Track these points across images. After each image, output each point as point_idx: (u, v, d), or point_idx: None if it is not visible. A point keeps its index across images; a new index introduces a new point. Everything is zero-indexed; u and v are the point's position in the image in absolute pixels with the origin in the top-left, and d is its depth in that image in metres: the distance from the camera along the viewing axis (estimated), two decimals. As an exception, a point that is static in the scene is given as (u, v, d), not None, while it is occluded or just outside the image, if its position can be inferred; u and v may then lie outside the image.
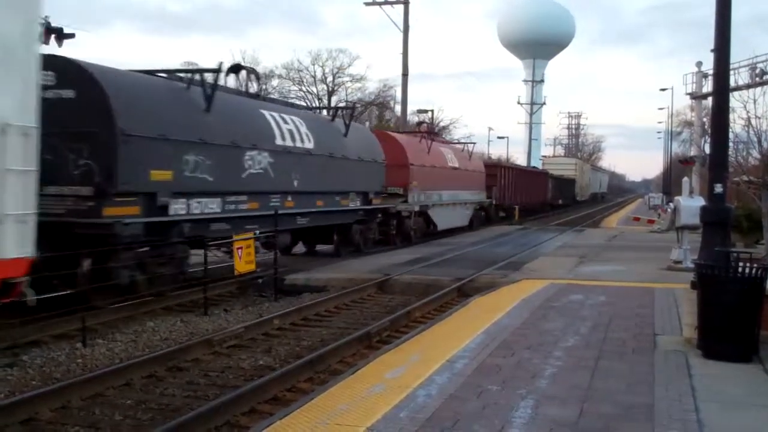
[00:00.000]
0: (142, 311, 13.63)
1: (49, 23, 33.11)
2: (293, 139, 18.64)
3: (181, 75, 15.65)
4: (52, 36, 32.67)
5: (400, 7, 37.26)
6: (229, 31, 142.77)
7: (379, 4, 37.17)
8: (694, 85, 43.04)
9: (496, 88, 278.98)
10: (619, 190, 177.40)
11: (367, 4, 37.38)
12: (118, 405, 8.44)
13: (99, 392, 8.75)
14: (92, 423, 7.81)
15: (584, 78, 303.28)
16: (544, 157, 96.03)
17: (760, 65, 33.77)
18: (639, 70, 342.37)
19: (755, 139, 19.02)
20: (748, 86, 34.43)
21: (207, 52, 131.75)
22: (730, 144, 17.44)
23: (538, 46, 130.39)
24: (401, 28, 37.13)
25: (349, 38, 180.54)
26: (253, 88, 19.18)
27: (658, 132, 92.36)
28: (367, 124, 74.76)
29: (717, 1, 10.57)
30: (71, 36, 33.16)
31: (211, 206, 15.24)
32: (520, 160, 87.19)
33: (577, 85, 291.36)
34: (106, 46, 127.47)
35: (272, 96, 70.00)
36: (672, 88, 66.97)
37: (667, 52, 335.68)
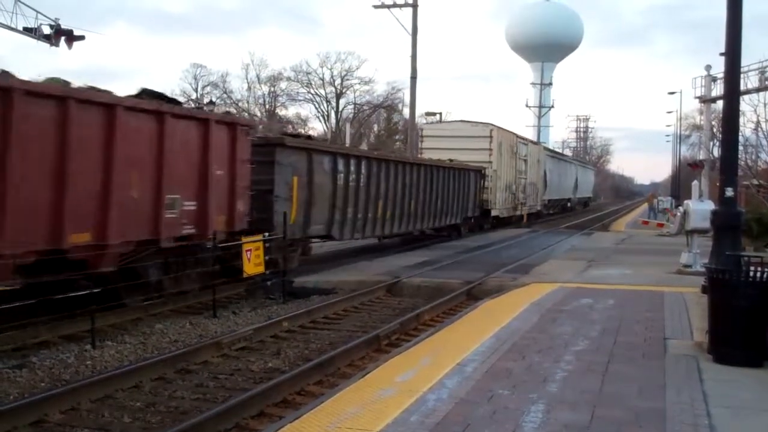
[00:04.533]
0: (150, 313, 13.63)
1: (59, 25, 33.20)
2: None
3: None
4: (63, 38, 32.76)
5: (408, 10, 37.28)
6: (229, 32, 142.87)
7: (388, 7, 37.16)
8: (703, 88, 42.94)
9: (503, 90, 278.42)
10: (628, 193, 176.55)
11: (375, 6, 37.40)
12: (127, 407, 8.43)
13: (108, 394, 8.75)
14: (101, 425, 7.81)
15: (591, 80, 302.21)
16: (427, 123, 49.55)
17: (770, 69, 33.68)
18: (645, 73, 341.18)
19: (765, 143, 19.00)
20: (757, 90, 34.35)
21: (212, 53, 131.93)
22: (740, 147, 17.42)
23: (546, 49, 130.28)
24: (409, 30, 37.12)
25: (352, 40, 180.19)
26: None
27: (667, 135, 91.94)
28: (375, 127, 74.97)
29: (728, 5, 10.54)
30: (81, 38, 33.24)
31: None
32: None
33: (584, 87, 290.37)
34: (109, 47, 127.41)
35: (281, 96, 70.21)
36: (680, 92, 66.87)
37: (671, 54, 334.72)
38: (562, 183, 63.24)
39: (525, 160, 44.67)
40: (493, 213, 38.06)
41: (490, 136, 37.39)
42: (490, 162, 36.89)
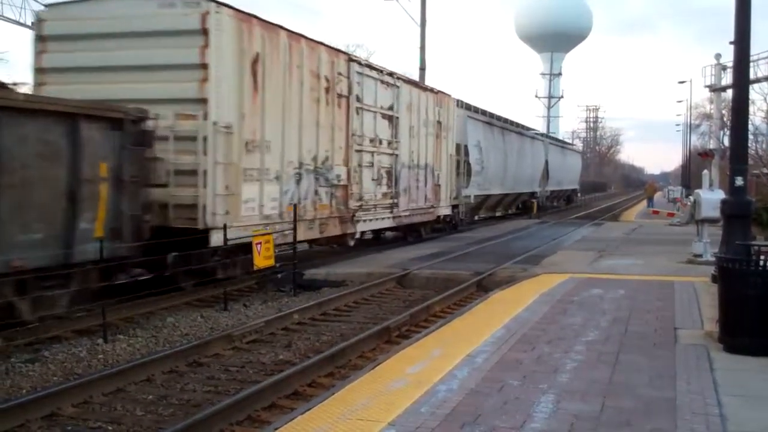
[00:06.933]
0: (161, 306, 13.68)
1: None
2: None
3: None
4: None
5: (417, 1, 37.09)
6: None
7: (396, -2, 36.90)
8: (713, 77, 42.74)
9: (513, 81, 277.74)
10: (639, 183, 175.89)
11: (383, -2, 37.00)
12: (139, 400, 8.48)
13: (120, 388, 8.79)
14: (114, 418, 7.85)
15: (600, 71, 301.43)
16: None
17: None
18: (654, 63, 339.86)
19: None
20: (767, 78, 34.28)
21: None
22: (750, 136, 17.35)
23: (555, 39, 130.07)
24: (418, 22, 37.00)
25: (360, 31, 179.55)
26: None
27: (677, 125, 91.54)
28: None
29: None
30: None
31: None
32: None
33: (593, 77, 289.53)
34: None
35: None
36: (690, 81, 66.70)
37: (680, 44, 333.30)
38: (513, 169, 40.02)
39: (390, 117, 22.21)
40: (230, 234, 14.15)
41: (203, 31, 14.03)
42: (205, 100, 14.06)
